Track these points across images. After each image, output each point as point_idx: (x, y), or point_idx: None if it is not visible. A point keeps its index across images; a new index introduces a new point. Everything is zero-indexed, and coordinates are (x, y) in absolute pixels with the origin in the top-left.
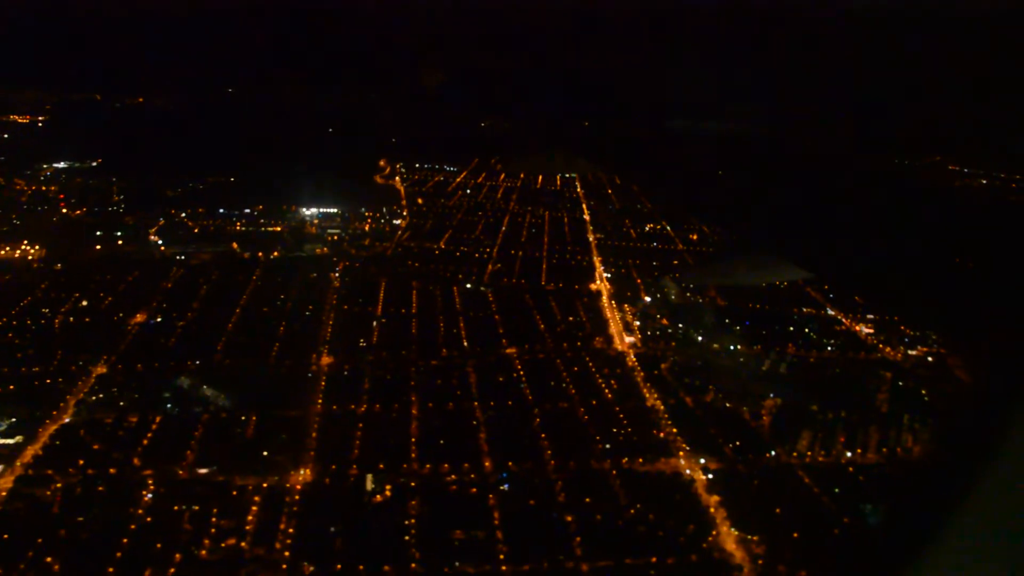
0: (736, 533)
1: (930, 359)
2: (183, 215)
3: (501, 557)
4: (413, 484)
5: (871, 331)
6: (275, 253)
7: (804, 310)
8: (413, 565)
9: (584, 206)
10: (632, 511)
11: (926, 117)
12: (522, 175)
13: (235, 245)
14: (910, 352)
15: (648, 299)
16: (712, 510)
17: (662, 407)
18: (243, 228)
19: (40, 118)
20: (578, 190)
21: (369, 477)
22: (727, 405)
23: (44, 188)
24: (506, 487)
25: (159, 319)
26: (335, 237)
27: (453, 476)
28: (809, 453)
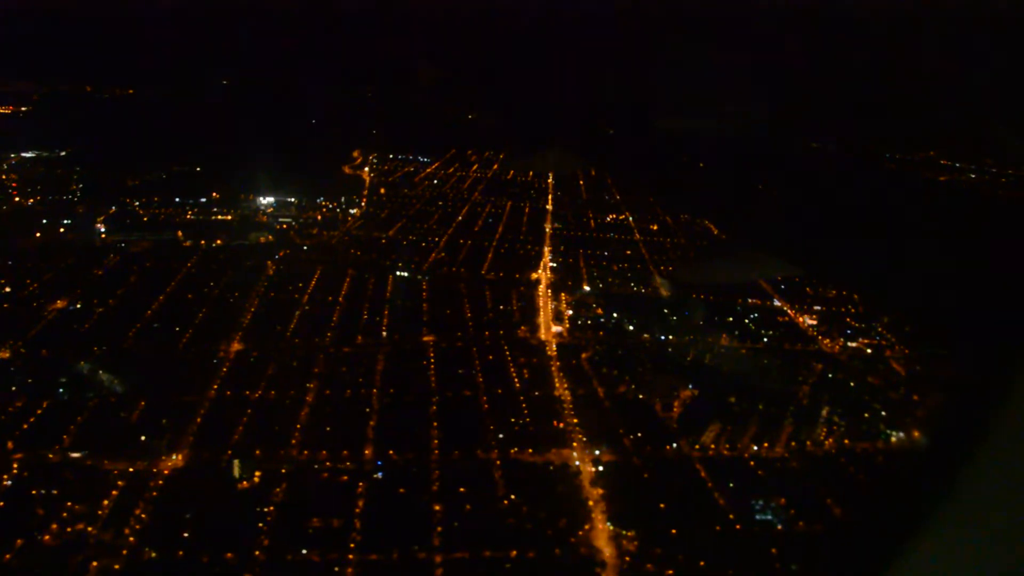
0: (611, 528)
1: (868, 351)
2: (136, 204)
3: (351, 546)
4: (284, 471)
5: (814, 322)
6: (218, 241)
7: (749, 301)
8: (257, 552)
9: (550, 197)
10: (506, 502)
11: (919, 113)
12: (495, 166)
13: (180, 233)
14: (850, 344)
15: (588, 288)
16: (592, 503)
17: (569, 397)
18: (194, 216)
19: (23, 108)
20: (549, 182)
21: (236, 463)
22: (639, 396)
23: (3, 177)
24: (379, 475)
25: (79, 305)
26: (284, 226)
27: (328, 464)
28: (713, 446)
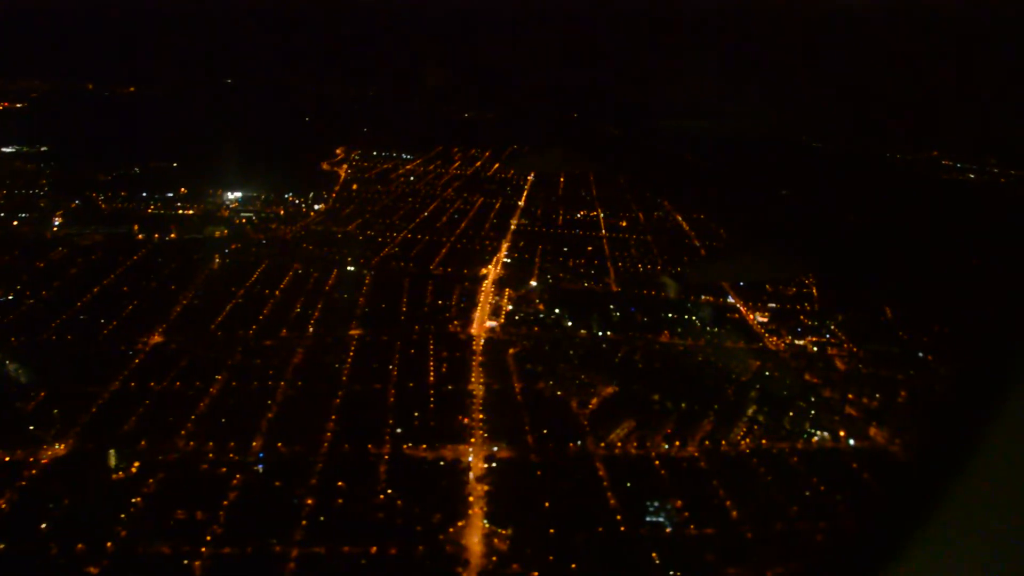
0: (486, 526)
1: (813, 349)
2: (101, 198)
3: (208, 539)
4: (163, 462)
5: (765, 319)
6: (171, 235)
7: (702, 298)
8: (109, 544)
9: (525, 194)
10: (382, 497)
11: (920, 112)
12: (477, 163)
13: (136, 227)
14: (797, 342)
15: (535, 284)
16: (472, 500)
17: (482, 392)
18: (156, 211)
19: (17, 105)
20: (528, 179)
21: (112, 453)
22: (557, 393)
23: None
24: (260, 468)
25: (10, 297)
26: (244, 220)
27: (211, 456)
28: (620, 444)
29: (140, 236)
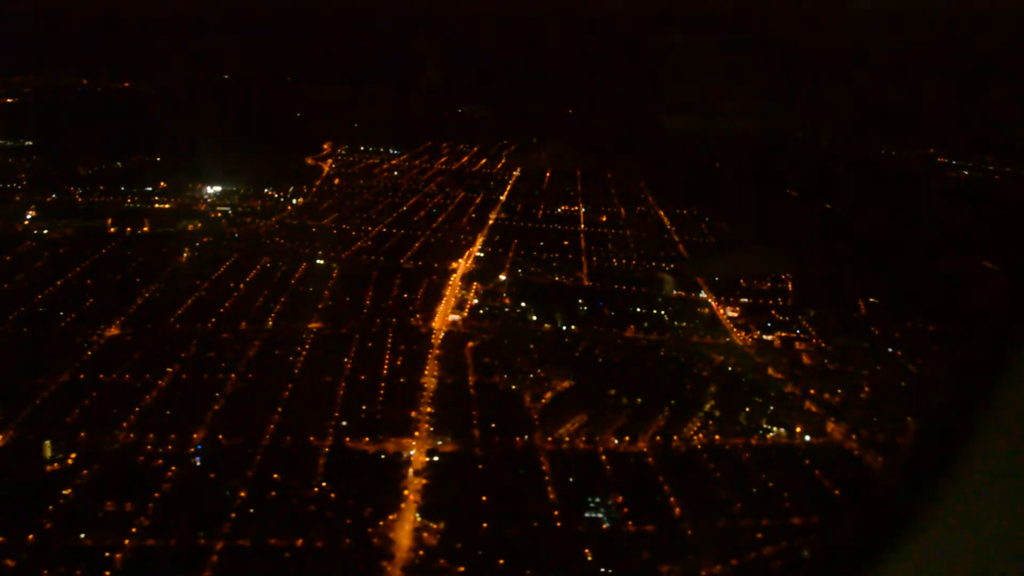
0: (418, 520)
1: (776, 344)
2: (78, 192)
3: (132, 531)
4: (100, 453)
5: (735, 314)
6: (144, 228)
7: (674, 293)
8: (31, 536)
9: (508, 189)
10: (316, 490)
11: (916, 110)
12: (464, 159)
13: (109, 220)
14: (765, 337)
15: (503, 278)
16: (407, 493)
17: (435, 386)
18: (132, 205)
19: (8, 100)
20: (514, 174)
21: (47, 444)
22: (512, 387)
23: None
24: (198, 460)
25: None
26: (219, 214)
27: (149, 447)
28: (567, 439)
29: (112, 230)
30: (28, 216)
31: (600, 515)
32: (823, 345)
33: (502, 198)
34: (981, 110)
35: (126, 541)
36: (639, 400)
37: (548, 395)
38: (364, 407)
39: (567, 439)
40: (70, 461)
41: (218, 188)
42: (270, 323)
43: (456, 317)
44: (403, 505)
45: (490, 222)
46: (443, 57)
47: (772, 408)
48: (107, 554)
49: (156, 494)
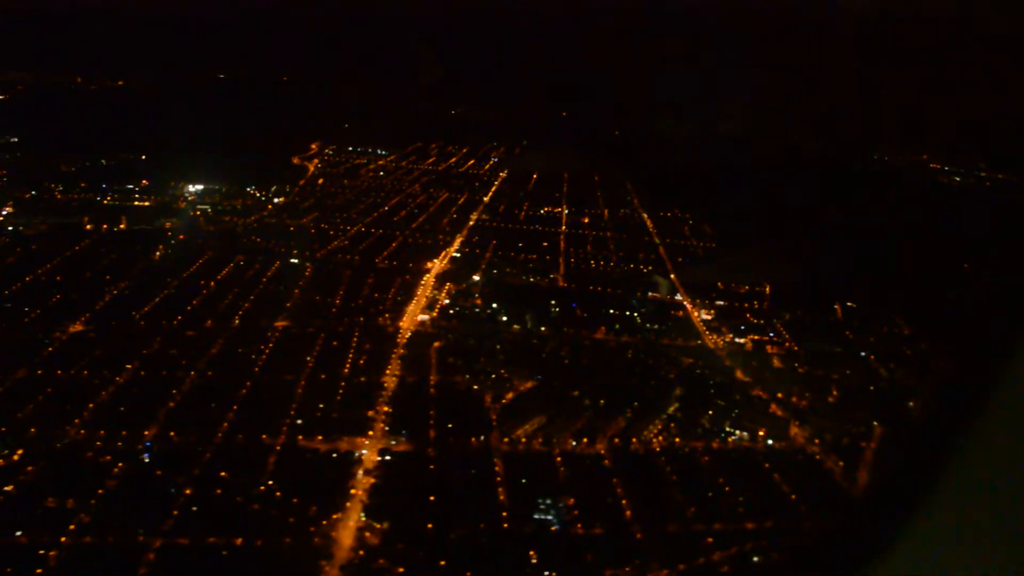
0: (363, 520)
1: (748, 346)
2: (58, 189)
3: (71, 528)
4: (48, 449)
5: (709, 317)
6: (121, 225)
7: (649, 295)
8: None
9: (493, 189)
10: (262, 488)
11: (910, 116)
12: (451, 159)
13: (85, 218)
14: (737, 340)
15: (477, 278)
16: (354, 493)
17: (394, 385)
18: (112, 202)
19: (0, 96)
20: (500, 175)
21: None
22: (474, 387)
23: None
24: (146, 457)
25: None
26: (198, 212)
27: (99, 444)
28: (524, 440)
29: (89, 227)
30: (3, 212)
31: (549, 517)
32: (795, 349)
33: (486, 199)
34: (975, 116)
35: (63, 539)
36: (601, 402)
37: (509, 396)
38: (321, 405)
39: (524, 440)
40: (16, 457)
41: (200, 186)
42: (236, 321)
43: (425, 317)
44: (348, 504)
45: (471, 223)
46: (439, 59)
47: (736, 411)
48: (41, 552)
49: (100, 491)
